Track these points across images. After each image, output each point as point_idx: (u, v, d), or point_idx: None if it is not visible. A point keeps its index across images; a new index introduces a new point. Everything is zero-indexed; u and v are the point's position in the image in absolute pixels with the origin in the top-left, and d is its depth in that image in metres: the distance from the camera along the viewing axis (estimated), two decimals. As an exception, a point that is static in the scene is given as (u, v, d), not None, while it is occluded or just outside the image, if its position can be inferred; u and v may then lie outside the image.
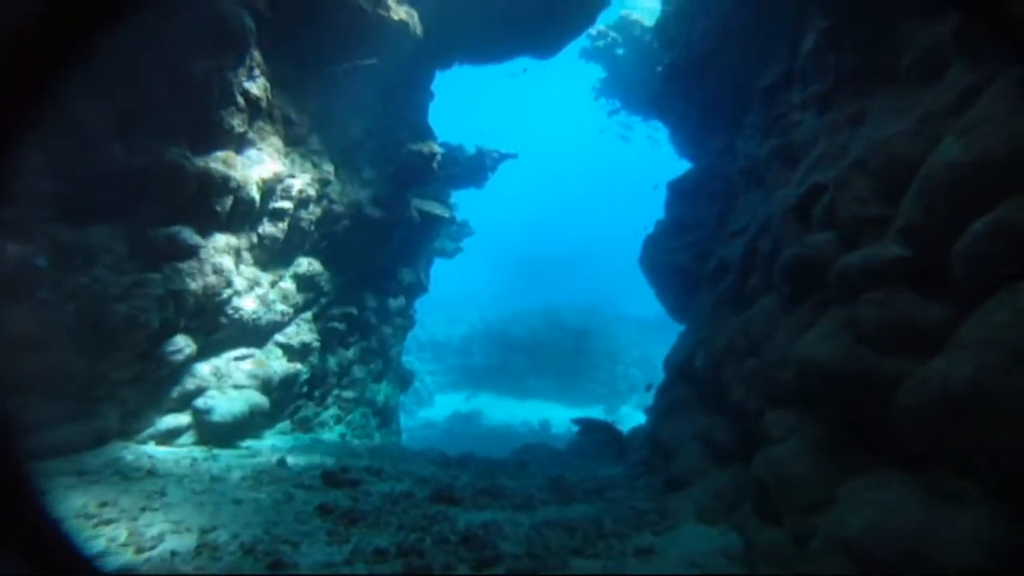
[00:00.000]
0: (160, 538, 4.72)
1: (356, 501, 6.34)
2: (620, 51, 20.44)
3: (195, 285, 8.31)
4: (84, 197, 7.04)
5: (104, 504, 5.26)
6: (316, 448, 9.83)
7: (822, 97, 7.11)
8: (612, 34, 20.32)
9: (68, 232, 6.91)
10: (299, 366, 10.65)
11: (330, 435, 11.54)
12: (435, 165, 13.54)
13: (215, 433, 8.48)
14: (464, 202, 18.65)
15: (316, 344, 11.16)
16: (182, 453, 7.56)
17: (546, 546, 5.21)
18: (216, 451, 7.96)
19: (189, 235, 8.23)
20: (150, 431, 7.96)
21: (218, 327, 9.11)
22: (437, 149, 13.60)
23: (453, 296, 35.52)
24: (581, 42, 19.75)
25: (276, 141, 9.77)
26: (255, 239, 9.63)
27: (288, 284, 10.53)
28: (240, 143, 9.02)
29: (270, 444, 9.49)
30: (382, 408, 14.35)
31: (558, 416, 24.42)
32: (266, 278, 10.04)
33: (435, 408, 29.02)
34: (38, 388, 6.61)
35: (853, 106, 6.18)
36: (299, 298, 10.73)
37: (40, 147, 6.51)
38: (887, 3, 5.94)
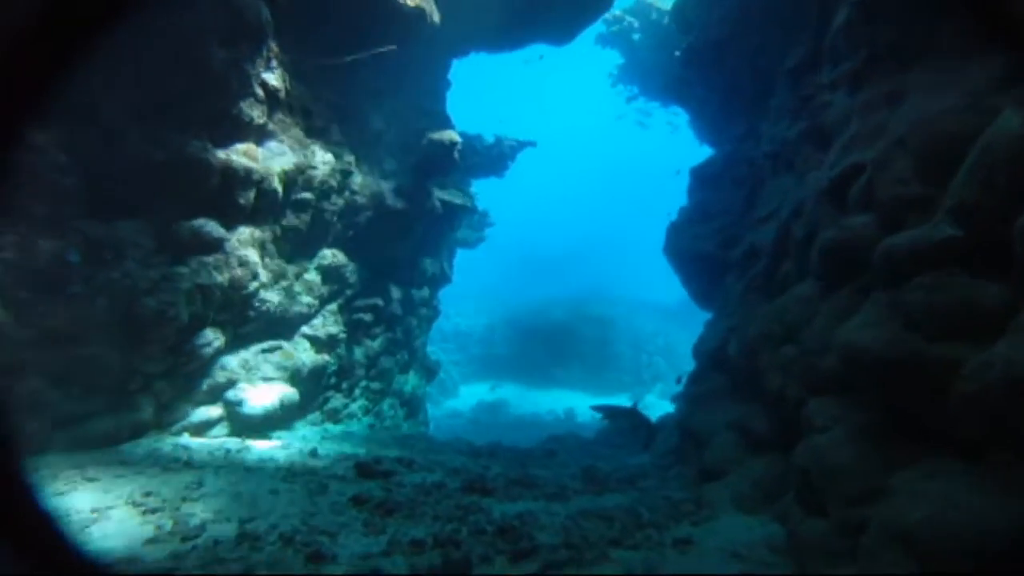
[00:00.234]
0: (202, 527, 4.77)
1: (390, 492, 6.35)
2: (637, 36, 20.08)
3: (221, 278, 8.36)
4: (109, 192, 7.10)
5: (148, 494, 5.37)
6: (347, 439, 9.91)
7: (854, 75, 6.84)
8: (628, 18, 19.97)
9: (97, 227, 6.99)
10: (327, 357, 10.71)
11: (359, 426, 11.61)
12: (456, 154, 13.45)
13: (247, 425, 8.58)
14: (484, 192, 18.51)
15: (343, 335, 11.21)
16: (216, 444, 7.65)
17: (584, 537, 5.16)
18: (249, 442, 8.04)
19: (214, 228, 8.26)
20: (183, 423, 8.08)
21: (246, 320, 9.18)
22: (457, 138, 13.50)
23: (476, 286, 35.49)
24: (597, 27, 19.43)
25: (296, 132, 9.75)
26: (279, 231, 9.65)
27: (313, 276, 10.56)
28: (260, 135, 9.01)
29: (301, 435, 9.58)
30: (409, 398, 14.41)
31: (583, 405, 24.30)
32: (291, 270, 10.08)
33: (460, 398, 29.14)
34: (77, 381, 6.72)
35: (889, 83, 5.92)
36: (324, 290, 10.76)
37: (64, 144, 6.58)
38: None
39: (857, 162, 5.74)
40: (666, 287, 32.34)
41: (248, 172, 8.53)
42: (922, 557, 3.12)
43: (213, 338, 8.56)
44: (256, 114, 8.71)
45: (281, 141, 9.41)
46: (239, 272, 8.69)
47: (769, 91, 10.50)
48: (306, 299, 10.28)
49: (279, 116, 9.37)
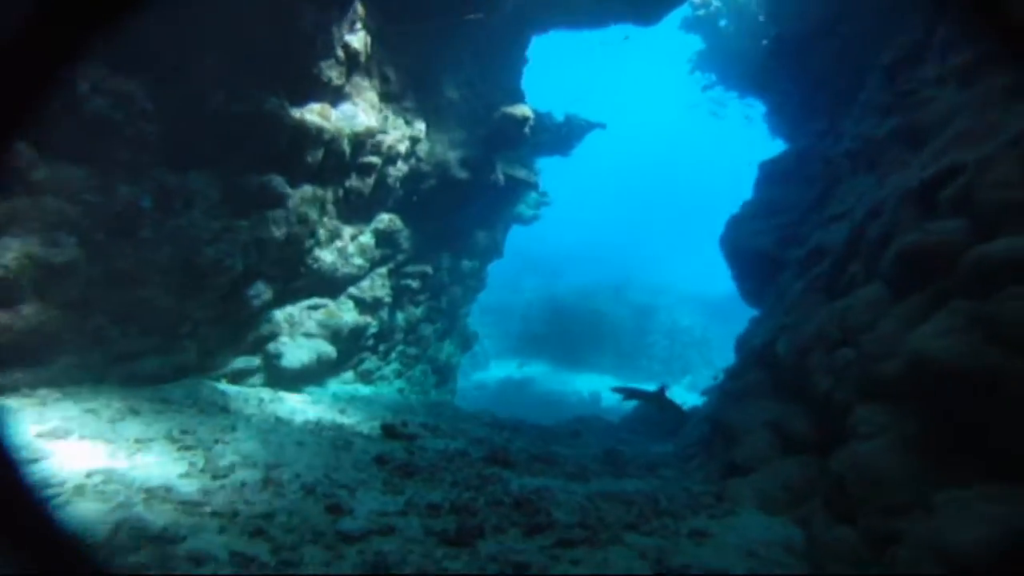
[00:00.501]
0: (231, 468, 4.97)
1: (412, 455, 6.47)
2: (723, 22, 19.37)
3: (279, 233, 8.53)
4: (186, 143, 7.31)
5: (185, 432, 5.64)
6: (376, 400, 10.13)
7: (967, 68, 6.37)
8: (716, 3, 19.23)
9: (171, 177, 7.25)
10: (369, 319, 10.91)
11: (389, 389, 11.85)
12: (527, 130, 13.32)
13: (282, 377, 8.86)
14: (545, 170, 18.23)
15: (388, 300, 11.38)
16: (251, 393, 7.94)
17: (600, 518, 5.13)
18: (282, 394, 8.32)
19: (280, 184, 8.39)
20: (224, 370, 8.41)
21: (296, 276, 9.40)
22: (530, 113, 13.36)
23: (523, 263, 35.39)
24: (683, 11, 18.87)
25: (371, 96, 9.77)
26: (341, 192, 9.77)
27: (367, 239, 10.70)
28: (336, 96, 9.05)
29: (332, 392, 9.85)
30: (442, 366, 14.61)
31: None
32: (347, 231, 10.23)
33: (489, 371, 29.42)
34: (135, 321, 7.06)
35: (1010, 76, 5.47)
36: (376, 253, 10.91)
37: (151, 93, 6.79)
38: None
39: (956, 163, 5.39)
40: (712, 281, 31.69)
41: (319, 131, 8.60)
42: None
43: (263, 290, 8.79)
44: (334, 75, 8.73)
45: (355, 104, 9.44)
46: (297, 229, 8.87)
47: (857, 87, 10.17)
48: (358, 261, 10.44)
49: (356, 79, 9.39)
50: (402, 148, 10.54)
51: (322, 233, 9.56)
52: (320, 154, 8.78)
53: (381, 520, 4.52)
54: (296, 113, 8.23)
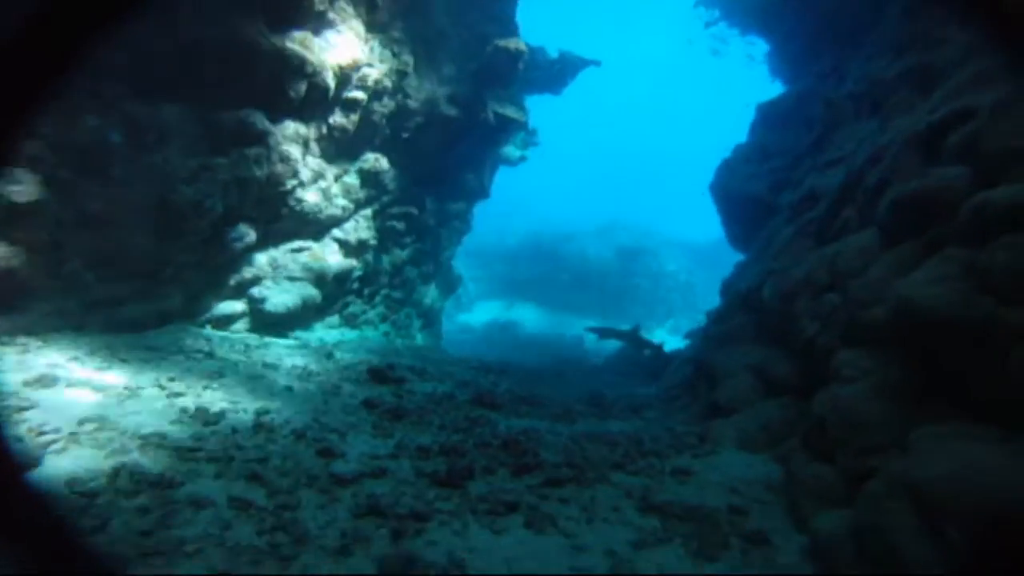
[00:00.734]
0: (222, 415, 4.99)
1: (400, 399, 6.54)
2: None
3: (260, 173, 8.22)
4: (156, 72, 6.84)
5: (172, 379, 5.61)
6: (362, 344, 10.15)
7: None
8: None
9: (142, 109, 6.79)
10: (354, 262, 10.77)
11: (374, 333, 11.87)
12: (520, 65, 12.79)
13: (267, 322, 8.80)
14: (534, 108, 17.67)
15: (373, 242, 11.22)
16: (236, 339, 7.89)
17: (586, 458, 5.27)
18: (268, 339, 8.28)
19: (259, 120, 8.00)
20: (208, 315, 8.31)
21: (279, 217, 9.16)
22: (524, 47, 12.80)
23: (509, 204, 35.00)
24: None
25: (357, 24, 9.20)
26: (325, 130, 9.39)
27: (352, 179, 10.40)
28: (319, 23, 8.50)
29: (318, 337, 9.83)
30: (427, 310, 14.62)
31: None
32: (331, 171, 9.91)
33: (474, 314, 29.58)
34: (112, 265, 6.84)
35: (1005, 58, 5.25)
36: (361, 194, 10.64)
37: (113, 16, 6.31)
38: None
39: (967, 106, 5.19)
40: (700, 226, 31.62)
41: (302, 63, 8.12)
42: (930, 512, 3.07)
43: (245, 232, 8.57)
44: (317, -1, 8.12)
45: (339, 32, 8.89)
46: (279, 168, 8.56)
47: (865, 27, 9.70)
48: (342, 202, 10.18)
49: (341, 3, 8.80)
50: (389, 83, 10.11)
51: (306, 173, 9.24)
52: (303, 88, 8.32)
53: (373, 463, 4.60)
54: (276, 41, 7.73)
